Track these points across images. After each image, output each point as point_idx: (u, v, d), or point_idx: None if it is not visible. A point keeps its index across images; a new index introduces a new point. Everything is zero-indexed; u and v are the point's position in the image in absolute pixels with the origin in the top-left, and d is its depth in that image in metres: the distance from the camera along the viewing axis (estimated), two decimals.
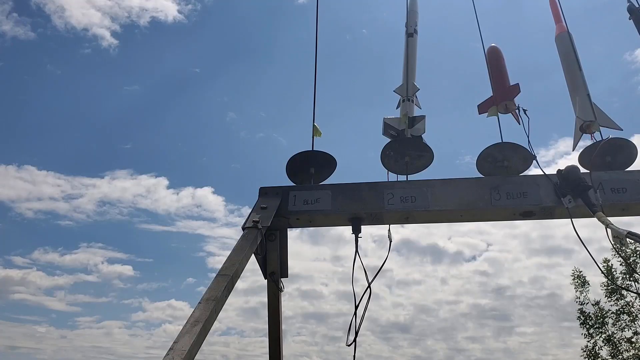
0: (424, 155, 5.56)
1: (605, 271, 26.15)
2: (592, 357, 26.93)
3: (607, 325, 26.99)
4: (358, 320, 4.61)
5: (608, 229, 4.09)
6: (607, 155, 4.98)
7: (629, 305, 26.68)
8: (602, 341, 27.01)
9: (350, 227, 4.96)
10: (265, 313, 5.21)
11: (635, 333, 26.37)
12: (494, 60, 6.04)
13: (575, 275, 28.79)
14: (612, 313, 27.08)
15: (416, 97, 6.16)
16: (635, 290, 26.68)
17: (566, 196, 4.46)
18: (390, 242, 5.17)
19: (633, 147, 4.96)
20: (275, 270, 5.15)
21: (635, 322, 26.53)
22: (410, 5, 7.10)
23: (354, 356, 4.52)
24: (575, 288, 28.59)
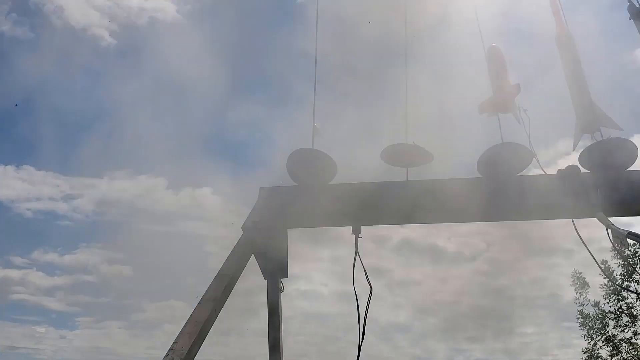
0: (423, 156, 5.53)
1: (604, 272, 26.13)
2: (593, 358, 26.94)
3: (607, 326, 27.00)
4: (362, 325, 4.59)
5: (608, 229, 4.08)
6: (607, 155, 4.97)
7: (630, 307, 26.70)
8: (602, 342, 27.03)
9: (350, 227, 4.95)
10: (265, 313, 5.20)
11: (635, 333, 26.39)
12: (495, 60, 6.02)
13: (576, 277, 28.79)
14: (611, 314, 27.10)
15: None
16: (634, 291, 26.69)
17: (567, 196, 4.45)
18: (371, 290, 4.73)
19: (633, 147, 4.94)
20: (275, 271, 5.14)
21: (635, 323, 26.55)
22: None
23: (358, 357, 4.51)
24: (575, 290, 28.60)
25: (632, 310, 26.74)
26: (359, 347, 4.51)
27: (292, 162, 5.45)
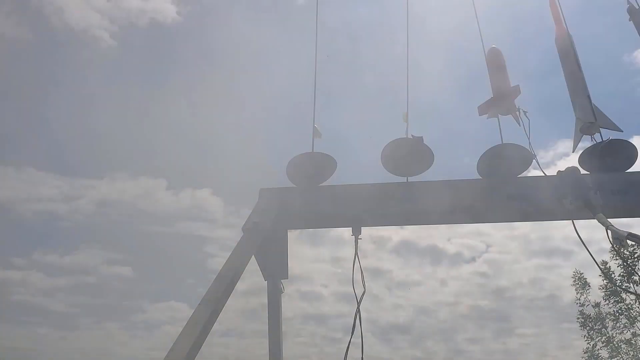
0: (424, 156, 5.54)
1: (604, 273, 26.13)
2: (594, 359, 26.95)
3: (606, 328, 27.02)
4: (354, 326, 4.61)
5: (608, 230, 4.09)
6: (607, 156, 4.98)
7: (628, 308, 26.70)
8: (602, 343, 27.04)
9: (350, 228, 4.96)
10: (265, 314, 5.20)
11: (634, 334, 26.40)
12: (495, 62, 6.03)
13: (577, 277, 28.82)
14: (610, 315, 27.12)
15: None
16: (634, 292, 26.68)
17: (566, 198, 4.46)
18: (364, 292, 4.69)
19: (633, 148, 4.95)
20: (275, 272, 5.14)
21: (635, 324, 26.55)
22: None
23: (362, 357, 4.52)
24: (576, 290, 28.64)
25: (631, 311, 26.75)
26: (351, 347, 4.51)
27: (292, 170, 5.45)
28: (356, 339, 4.56)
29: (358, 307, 4.62)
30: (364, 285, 4.69)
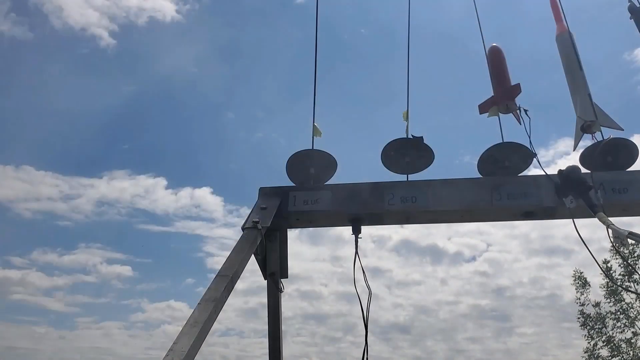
0: (424, 155, 5.53)
1: (605, 271, 26.12)
2: (594, 359, 26.93)
3: (607, 327, 27.00)
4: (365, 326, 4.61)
5: (609, 229, 4.07)
6: (608, 155, 4.96)
7: (629, 307, 26.68)
8: (602, 342, 27.02)
9: (350, 227, 4.95)
10: (265, 314, 5.20)
11: (635, 334, 26.38)
12: (495, 60, 6.02)
13: (577, 277, 28.79)
14: (611, 314, 27.09)
15: None
16: (634, 291, 26.66)
17: (567, 196, 4.45)
18: (370, 293, 4.77)
19: (634, 147, 4.94)
20: (275, 271, 5.13)
21: (635, 324, 26.53)
22: None
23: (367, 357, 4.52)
24: (576, 289, 28.61)
25: (632, 310, 26.74)
26: (365, 346, 4.51)
27: (292, 166, 5.45)
28: (356, 339, 4.56)
29: (368, 309, 4.62)
30: (368, 287, 4.68)
